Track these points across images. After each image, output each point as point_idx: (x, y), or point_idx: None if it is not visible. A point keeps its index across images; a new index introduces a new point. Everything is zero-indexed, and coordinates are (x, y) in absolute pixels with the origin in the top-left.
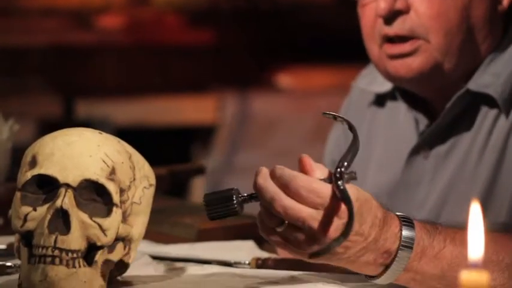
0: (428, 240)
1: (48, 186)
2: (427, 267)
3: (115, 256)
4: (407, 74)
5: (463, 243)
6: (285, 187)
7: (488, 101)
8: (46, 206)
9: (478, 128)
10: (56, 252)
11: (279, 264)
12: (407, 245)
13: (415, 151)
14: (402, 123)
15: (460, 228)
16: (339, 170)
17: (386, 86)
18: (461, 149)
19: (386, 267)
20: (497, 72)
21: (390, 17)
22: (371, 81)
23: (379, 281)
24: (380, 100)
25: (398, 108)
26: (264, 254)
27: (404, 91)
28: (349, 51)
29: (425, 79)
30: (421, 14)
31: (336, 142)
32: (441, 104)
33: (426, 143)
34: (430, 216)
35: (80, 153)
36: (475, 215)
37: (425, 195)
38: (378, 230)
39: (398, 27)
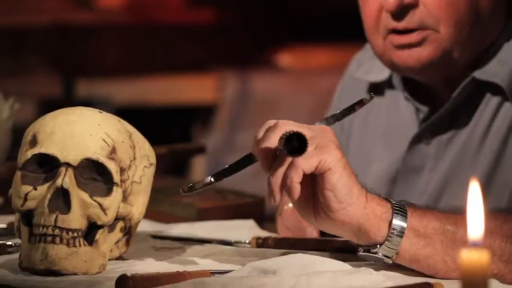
0: (418, 211)
1: (48, 165)
2: (426, 222)
3: (115, 235)
4: (416, 65)
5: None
6: None
7: (493, 88)
8: (46, 185)
9: (480, 115)
10: (57, 232)
11: (279, 244)
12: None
13: (417, 138)
14: (402, 111)
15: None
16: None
17: (382, 75)
18: (463, 136)
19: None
20: (504, 61)
21: (399, 11)
22: (367, 71)
23: (382, 250)
24: (376, 88)
25: (398, 96)
26: (265, 233)
27: (403, 79)
28: (349, 30)
29: (433, 68)
30: (430, 5)
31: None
32: (445, 91)
33: (428, 130)
34: (430, 202)
35: (80, 132)
36: (475, 194)
37: (426, 181)
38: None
39: (407, 20)
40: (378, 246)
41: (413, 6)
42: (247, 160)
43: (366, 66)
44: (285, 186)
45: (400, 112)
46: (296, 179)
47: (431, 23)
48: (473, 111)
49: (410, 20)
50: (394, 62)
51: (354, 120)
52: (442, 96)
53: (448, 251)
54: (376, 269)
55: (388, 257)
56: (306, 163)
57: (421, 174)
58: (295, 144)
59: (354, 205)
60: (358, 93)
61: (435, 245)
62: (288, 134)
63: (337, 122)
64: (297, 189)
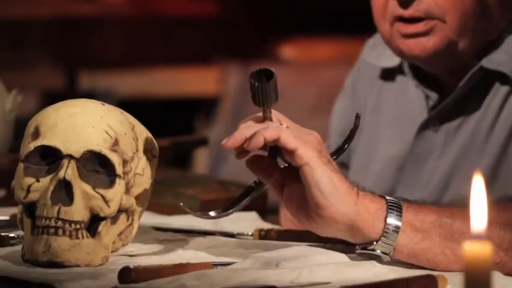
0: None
1: (51, 157)
2: (422, 216)
3: (118, 227)
4: (422, 54)
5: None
6: None
7: (500, 78)
8: (49, 177)
9: (488, 104)
10: (59, 223)
11: (282, 236)
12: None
13: (425, 125)
14: (413, 97)
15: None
16: None
17: (394, 61)
18: (471, 124)
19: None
20: (511, 51)
21: (406, 0)
22: (379, 56)
23: (378, 247)
24: (388, 74)
25: (409, 83)
26: (267, 225)
27: (413, 66)
28: (352, 23)
29: (439, 58)
30: None
31: (343, 114)
32: (452, 80)
33: (437, 118)
34: (437, 190)
35: (82, 124)
36: (478, 187)
37: (433, 169)
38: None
39: (413, 8)
40: (374, 243)
41: None
42: (251, 189)
43: (378, 51)
44: (254, 134)
45: (410, 99)
46: (267, 134)
47: (437, 13)
48: (481, 101)
49: (417, 8)
50: (400, 49)
51: (366, 105)
52: (449, 84)
53: (446, 243)
54: (379, 261)
55: (385, 253)
56: (286, 135)
57: (428, 162)
58: (263, 78)
59: (343, 201)
60: (371, 78)
61: (433, 238)
62: (257, 70)
63: (351, 100)
64: (258, 141)
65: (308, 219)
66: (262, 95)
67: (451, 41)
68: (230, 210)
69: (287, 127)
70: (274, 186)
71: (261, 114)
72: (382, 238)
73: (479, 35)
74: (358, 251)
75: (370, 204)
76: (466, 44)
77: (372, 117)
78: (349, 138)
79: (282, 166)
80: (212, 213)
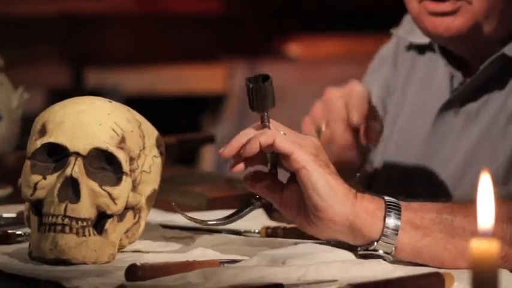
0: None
1: (57, 154)
2: (421, 214)
3: (125, 225)
4: (445, 33)
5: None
6: None
7: None
8: (56, 174)
9: (509, 92)
10: (66, 221)
11: (288, 234)
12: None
13: (446, 106)
14: (439, 76)
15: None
16: None
17: (426, 39)
18: (492, 109)
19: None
20: None
21: None
22: (411, 31)
23: (380, 247)
24: (419, 48)
25: (437, 61)
26: (274, 223)
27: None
28: (357, 20)
29: (462, 39)
30: None
31: (384, 82)
32: (476, 64)
33: (457, 100)
34: (456, 173)
35: (89, 121)
36: (485, 184)
37: (452, 151)
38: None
39: None
40: (375, 243)
41: None
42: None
43: (410, 26)
44: (249, 140)
45: (437, 76)
46: (262, 139)
47: None
48: (502, 88)
49: None
50: (426, 27)
51: (400, 72)
52: (473, 67)
53: (448, 239)
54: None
55: (387, 253)
56: (281, 140)
57: (447, 143)
58: (260, 82)
59: (340, 203)
60: (406, 50)
61: (434, 234)
62: (254, 75)
63: (391, 65)
64: (253, 148)
65: (308, 223)
66: (258, 97)
67: (476, 23)
68: (226, 221)
69: (284, 134)
70: (273, 198)
71: (259, 123)
72: (382, 237)
73: (505, 21)
74: (360, 252)
75: (369, 205)
76: (491, 28)
77: (401, 88)
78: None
79: (282, 180)
80: (208, 220)
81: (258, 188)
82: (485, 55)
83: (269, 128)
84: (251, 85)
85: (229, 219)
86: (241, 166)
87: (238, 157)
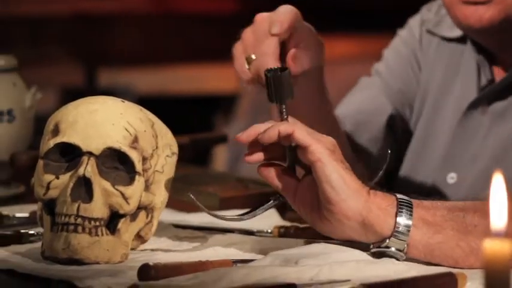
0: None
1: (70, 154)
2: (433, 211)
3: (137, 224)
4: (476, 24)
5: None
6: None
7: None
8: (69, 174)
9: None
10: (79, 221)
11: (301, 233)
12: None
13: (474, 105)
14: (465, 72)
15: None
16: None
17: (455, 32)
18: None
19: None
20: None
21: None
22: (437, 23)
23: (392, 243)
24: (446, 39)
25: (463, 54)
26: (286, 223)
27: (474, 41)
28: (370, 20)
29: (493, 31)
30: None
31: (405, 69)
32: (505, 59)
33: (485, 98)
34: (482, 174)
35: (102, 121)
36: (498, 184)
37: (478, 150)
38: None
39: None
40: (387, 240)
41: None
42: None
43: (436, 18)
44: (268, 129)
45: (463, 72)
46: (281, 128)
47: None
48: None
49: None
50: (457, 16)
51: (426, 53)
52: (503, 64)
53: (460, 236)
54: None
55: (400, 250)
56: (300, 132)
57: (473, 142)
58: (278, 73)
59: (353, 198)
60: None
61: (446, 231)
62: (272, 68)
63: (412, 52)
64: (271, 135)
65: (321, 219)
66: (276, 87)
67: (509, 14)
68: (244, 216)
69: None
70: (287, 193)
71: (277, 117)
72: (395, 234)
73: None
74: (372, 250)
75: (381, 201)
76: None
77: (426, 82)
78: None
79: (297, 175)
80: (225, 215)
81: (272, 178)
82: None
83: (287, 120)
84: (269, 75)
85: (248, 214)
86: (256, 156)
87: (254, 146)
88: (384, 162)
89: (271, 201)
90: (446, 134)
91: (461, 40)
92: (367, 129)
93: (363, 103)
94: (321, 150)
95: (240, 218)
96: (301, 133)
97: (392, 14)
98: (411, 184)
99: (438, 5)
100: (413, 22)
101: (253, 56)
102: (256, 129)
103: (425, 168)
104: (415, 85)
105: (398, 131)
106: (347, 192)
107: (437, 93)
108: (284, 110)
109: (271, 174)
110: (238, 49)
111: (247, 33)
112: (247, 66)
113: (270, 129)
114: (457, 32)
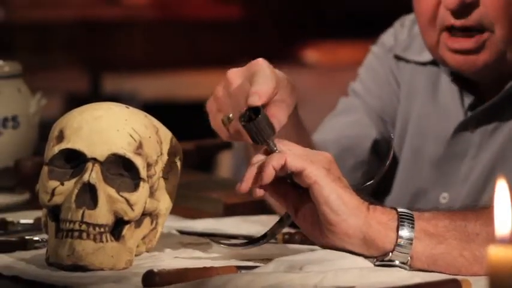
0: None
1: (75, 160)
2: (435, 221)
3: (142, 231)
4: (471, 69)
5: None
6: None
7: None
8: (73, 180)
9: None
10: (84, 227)
11: (306, 239)
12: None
13: (463, 125)
14: (445, 93)
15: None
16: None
17: (426, 56)
18: (509, 128)
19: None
20: None
21: (460, 10)
22: (407, 49)
23: (395, 257)
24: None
25: (439, 76)
26: (291, 229)
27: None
28: (375, 27)
29: (487, 71)
30: (489, 5)
31: (383, 87)
32: (493, 83)
33: (473, 120)
34: (473, 191)
35: (107, 127)
36: (502, 191)
37: (468, 169)
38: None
39: (467, 19)
40: (390, 254)
41: (474, 5)
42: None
43: (405, 42)
44: (263, 166)
45: (444, 93)
46: (274, 163)
47: (487, 23)
48: None
49: (469, 18)
50: (446, 61)
51: (402, 78)
52: (488, 86)
53: (463, 245)
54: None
55: (403, 263)
56: (292, 158)
57: (463, 162)
58: (253, 116)
59: (353, 216)
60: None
61: (449, 241)
62: (244, 111)
63: (390, 69)
64: (269, 172)
65: (323, 237)
66: (257, 131)
67: (500, 52)
68: (259, 242)
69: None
70: (290, 209)
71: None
72: (397, 248)
73: None
74: (376, 263)
75: (381, 216)
76: None
77: (405, 98)
78: (383, 167)
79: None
80: (239, 245)
81: (276, 195)
82: (502, 76)
83: (278, 151)
84: (248, 125)
85: (263, 240)
86: (263, 190)
87: (256, 185)
88: (382, 166)
89: (283, 222)
90: (435, 155)
91: (434, 63)
92: (352, 154)
93: (346, 128)
94: (316, 172)
95: (259, 243)
96: (293, 160)
97: None
98: (403, 206)
99: (411, 20)
100: (387, 40)
101: (230, 116)
102: (251, 174)
103: (416, 190)
104: (395, 102)
105: (382, 155)
106: (346, 211)
107: (419, 116)
108: (272, 145)
109: (274, 191)
110: (212, 107)
111: (220, 91)
112: (225, 124)
113: (265, 170)
114: (427, 56)
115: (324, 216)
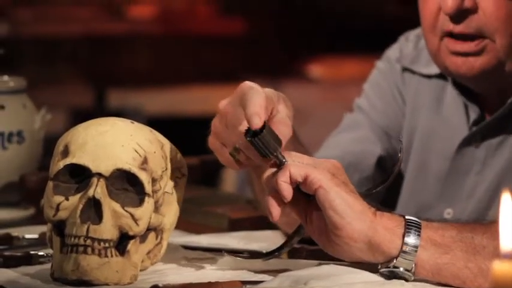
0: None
1: (80, 175)
2: (442, 231)
3: (147, 246)
4: (468, 73)
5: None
6: None
7: None
8: (78, 195)
9: None
10: (88, 242)
11: (310, 255)
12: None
13: (468, 140)
14: (450, 107)
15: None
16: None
17: (433, 68)
18: None
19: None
20: None
21: (457, 15)
22: (414, 61)
23: (399, 263)
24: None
25: (445, 89)
26: (296, 244)
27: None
28: (380, 42)
29: (485, 78)
30: (489, 14)
31: (388, 103)
32: (496, 97)
33: (478, 134)
34: (479, 207)
35: (112, 142)
36: (507, 205)
37: (474, 185)
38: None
39: (464, 25)
40: (395, 260)
41: (473, 11)
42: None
43: (412, 55)
44: (276, 187)
45: (448, 108)
46: (283, 178)
47: (487, 31)
48: None
49: (468, 25)
50: (447, 66)
51: (407, 92)
52: (492, 100)
53: (469, 257)
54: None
55: (408, 270)
56: (294, 167)
57: (468, 177)
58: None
59: (359, 220)
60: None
61: (455, 252)
62: (247, 128)
63: (395, 85)
64: (285, 188)
65: (330, 243)
66: (264, 145)
67: (500, 61)
68: (276, 254)
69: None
70: (301, 216)
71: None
72: (402, 254)
73: None
74: (381, 270)
75: (388, 222)
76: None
77: (411, 112)
78: (392, 174)
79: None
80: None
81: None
82: (506, 88)
83: (286, 162)
84: (252, 140)
85: (280, 250)
86: (281, 210)
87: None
88: (391, 172)
89: (300, 231)
90: (439, 170)
91: (441, 76)
92: (357, 170)
93: (351, 144)
94: (320, 176)
95: (270, 257)
96: (296, 169)
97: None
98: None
99: (416, 35)
100: (392, 54)
101: (237, 146)
102: (271, 200)
103: (421, 205)
104: (400, 117)
105: (388, 171)
106: (351, 215)
107: (424, 131)
108: (280, 157)
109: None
110: (215, 144)
111: (217, 127)
112: (234, 157)
113: (281, 188)
114: (434, 69)
115: (330, 220)
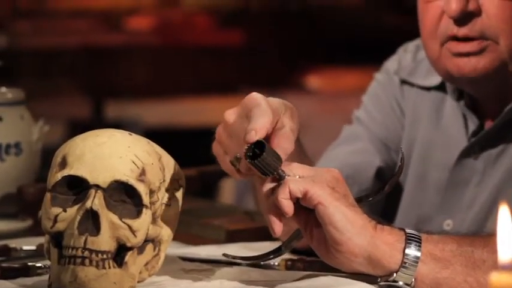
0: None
1: (78, 187)
2: (442, 245)
3: (145, 257)
4: (471, 73)
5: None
6: None
7: None
8: (76, 207)
9: None
10: (86, 253)
11: (308, 266)
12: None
13: (467, 152)
14: (449, 119)
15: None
16: None
17: (432, 80)
18: None
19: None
20: None
21: (462, 18)
22: (412, 73)
23: (399, 278)
24: (424, 88)
25: (444, 101)
26: (294, 256)
27: (456, 89)
28: (379, 53)
29: (487, 80)
30: (492, 16)
31: (387, 115)
32: (495, 106)
33: (477, 145)
34: (479, 218)
35: (110, 154)
36: (505, 217)
37: (473, 196)
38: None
39: (468, 28)
40: (395, 274)
41: (476, 14)
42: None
43: (410, 67)
44: (276, 204)
45: (448, 119)
46: (282, 195)
47: (491, 34)
48: None
49: (472, 28)
50: (448, 69)
51: (407, 105)
52: (491, 109)
53: (469, 271)
54: None
55: (407, 284)
56: (294, 183)
57: (468, 188)
58: (257, 152)
59: (359, 235)
60: (409, 89)
61: (455, 267)
62: (247, 147)
63: (394, 97)
64: (286, 204)
65: (329, 256)
66: (264, 165)
67: (503, 63)
68: (274, 255)
69: (299, 177)
70: (301, 225)
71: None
72: (402, 268)
73: None
74: (381, 284)
75: (388, 236)
76: None
77: (410, 124)
78: (392, 180)
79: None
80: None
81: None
82: (505, 96)
83: (286, 176)
84: (252, 162)
85: (278, 252)
86: (282, 225)
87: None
88: (392, 178)
89: (298, 234)
90: (439, 182)
91: (439, 88)
92: (356, 182)
93: (350, 156)
94: (320, 192)
95: (274, 257)
96: (295, 185)
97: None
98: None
99: (415, 45)
100: (391, 65)
101: (238, 155)
102: (273, 217)
103: (420, 216)
104: (399, 129)
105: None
106: (352, 230)
107: (423, 143)
108: (280, 172)
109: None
110: (218, 151)
111: (221, 135)
112: (235, 166)
113: (281, 205)
114: (433, 80)
115: (330, 236)
